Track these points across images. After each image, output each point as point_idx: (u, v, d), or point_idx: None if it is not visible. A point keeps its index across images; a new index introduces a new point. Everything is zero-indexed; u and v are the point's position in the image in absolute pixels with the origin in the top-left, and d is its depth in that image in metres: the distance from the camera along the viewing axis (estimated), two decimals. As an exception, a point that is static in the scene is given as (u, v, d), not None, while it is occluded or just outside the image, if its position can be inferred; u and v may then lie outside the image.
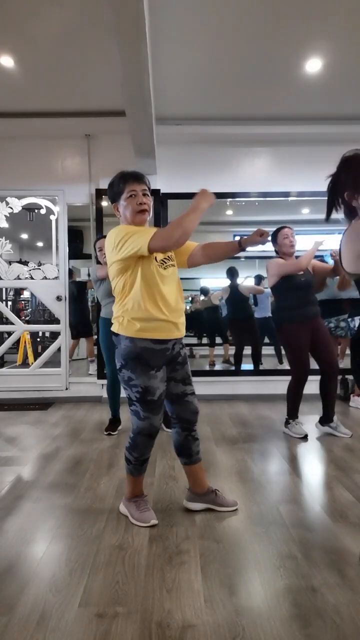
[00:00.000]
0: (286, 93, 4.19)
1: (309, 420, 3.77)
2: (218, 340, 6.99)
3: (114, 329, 2.03)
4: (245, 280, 6.32)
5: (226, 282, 5.81)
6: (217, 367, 6.48)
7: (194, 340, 7.60)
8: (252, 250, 6.78)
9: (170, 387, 2.08)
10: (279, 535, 1.94)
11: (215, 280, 7.28)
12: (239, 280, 5.76)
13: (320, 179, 5.58)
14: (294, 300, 3.40)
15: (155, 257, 1.97)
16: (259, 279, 6.26)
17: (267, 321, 5.90)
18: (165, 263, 2.02)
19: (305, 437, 3.37)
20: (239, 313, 5.65)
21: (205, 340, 7.42)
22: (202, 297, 7.12)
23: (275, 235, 3.50)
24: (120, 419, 3.63)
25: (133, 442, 2.05)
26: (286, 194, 4.93)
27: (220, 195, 4.99)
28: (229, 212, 6.02)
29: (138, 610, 1.47)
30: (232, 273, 5.62)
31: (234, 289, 5.63)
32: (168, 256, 2.05)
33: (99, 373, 4.79)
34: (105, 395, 4.73)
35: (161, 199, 4.71)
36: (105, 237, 2.15)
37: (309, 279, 3.45)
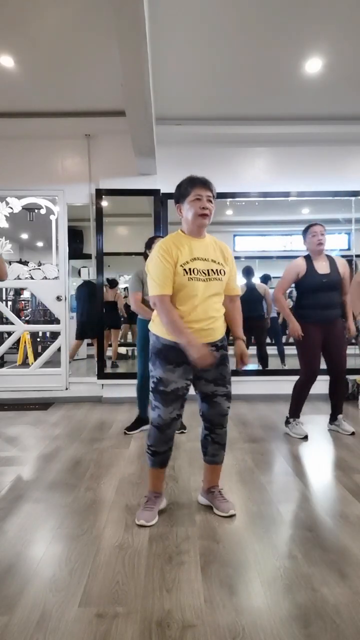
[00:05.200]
0: (286, 93, 4.19)
1: (309, 421, 3.77)
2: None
3: (149, 326, 2.15)
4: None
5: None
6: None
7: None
8: (252, 250, 6.72)
9: (201, 385, 2.13)
10: (279, 535, 1.94)
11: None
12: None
13: (320, 179, 5.59)
14: (311, 300, 3.36)
15: (192, 270, 1.99)
16: (265, 279, 6.23)
17: (271, 321, 5.92)
18: (208, 275, 2.02)
19: (305, 438, 3.38)
20: (253, 312, 5.62)
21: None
22: None
23: (305, 232, 3.44)
24: (145, 419, 3.58)
25: (149, 432, 2.13)
26: (286, 194, 4.93)
27: (220, 195, 4.99)
28: (229, 212, 6.02)
29: (138, 610, 1.47)
30: (248, 272, 5.61)
31: (250, 287, 5.61)
32: (216, 270, 2.05)
33: (99, 373, 4.79)
34: (105, 395, 4.75)
35: (161, 199, 4.71)
36: (161, 237, 2.16)
37: (332, 281, 3.34)
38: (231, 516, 2.11)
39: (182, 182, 2.11)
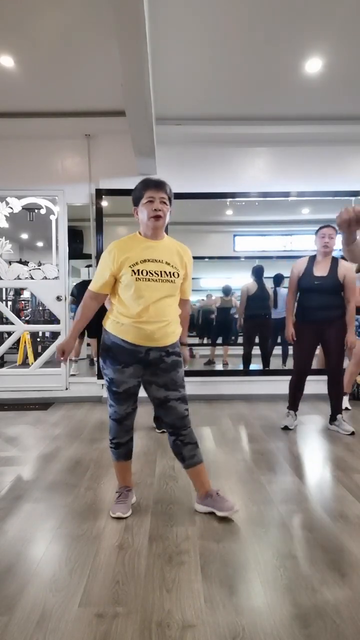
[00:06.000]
0: (286, 93, 4.19)
1: (309, 421, 3.78)
2: (218, 340, 7.01)
3: (103, 321, 2.18)
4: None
5: (222, 282, 5.78)
6: (218, 367, 6.48)
7: (195, 340, 7.59)
8: (252, 250, 6.71)
9: (153, 390, 2.14)
10: (279, 535, 1.94)
11: (215, 280, 7.29)
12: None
13: (320, 179, 5.59)
14: (306, 301, 3.44)
15: (141, 271, 2.02)
16: (278, 279, 6.21)
17: (278, 321, 5.91)
18: (160, 277, 2.04)
19: (284, 428, 3.52)
20: (261, 310, 5.60)
21: (205, 340, 7.42)
22: (222, 296, 7.13)
23: (316, 232, 3.48)
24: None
25: (109, 426, 2.22)
26: (286, 194, 4.93)
27: (220, 195, 5.03)
28: (229, 212, 6.02)
29: (138, 610, 1.47)
30: (258, 271, 5.60)
31: (261, 286, 5.60)
32: (169, 272, 2.06)
33: (99, 373, 4.79)
34: (105, 395, 4.74)
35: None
36: None
37: (326, 284, 3.38)
38: (235, 512, 2.10)
39: (137, 186, 2.13)
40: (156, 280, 2.03)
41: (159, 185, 2.07)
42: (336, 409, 3.54)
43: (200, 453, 2.20)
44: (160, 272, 2.04)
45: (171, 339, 2.11)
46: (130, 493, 2.25)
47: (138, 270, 2.02)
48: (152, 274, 2.03)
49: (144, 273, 2.02)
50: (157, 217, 2.04)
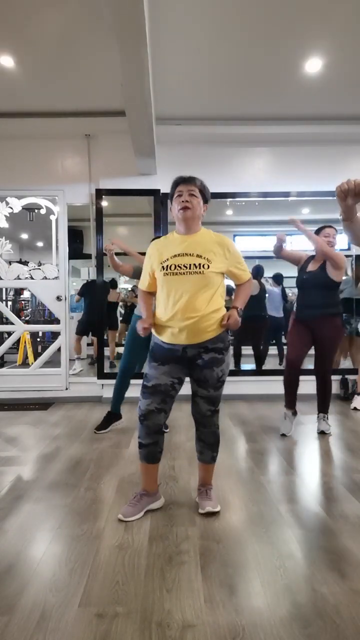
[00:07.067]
0: (286, 93, 4.19)
1: (309, 421, 3.78)
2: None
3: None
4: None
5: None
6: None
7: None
8: (252, 250, 6.71)
9: (190, 383, 2.22)
10: (279, 535, 1.94)
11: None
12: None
13: (320, 179, 5.58)
14: (298, 298, 3.51)
15: (170, 266, 2.06)
16: (278, 277, 6.19)
17: (278, 321, 5.89)
18: (188, 269, 2.02)
19: (282, 435, 3.44)
20: (255, 310, 5.52)
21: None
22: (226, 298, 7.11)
23: (317, 233, 3.49)
24: (114, 414, 3.63)
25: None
26: (286, 194, 4.93)
27: (220, 195, 5.02)
28: (229, 212, 6.01)
29: (138, 610, 1.47)
30: (257, 271, 5.58)
31: (262, 286, 5.57)
32: (198, 264, 2.03)
33: (99, 373, 4.79)
34: (105, 395, 4.74)
35: (161, 199, 4.71)
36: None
37: (313, 278, 3.40)
38: (208, 513, 2.10)
39: (171, 186, 2.19)
40: (183, 272, 2.03)
41: (187, 179, 2.13)
42: (320, 407, 3.56)
43: (209, 455, 2.25)
44: (189, 264, 2.03)
45: (207, 335, 2.07)
46: (145, 498, 2.18)
47: (167, 266, 2.06)
48: (180, 267, 2.03)
49: (172, 267, 2.05)
50: (184, 209, 2.08)
